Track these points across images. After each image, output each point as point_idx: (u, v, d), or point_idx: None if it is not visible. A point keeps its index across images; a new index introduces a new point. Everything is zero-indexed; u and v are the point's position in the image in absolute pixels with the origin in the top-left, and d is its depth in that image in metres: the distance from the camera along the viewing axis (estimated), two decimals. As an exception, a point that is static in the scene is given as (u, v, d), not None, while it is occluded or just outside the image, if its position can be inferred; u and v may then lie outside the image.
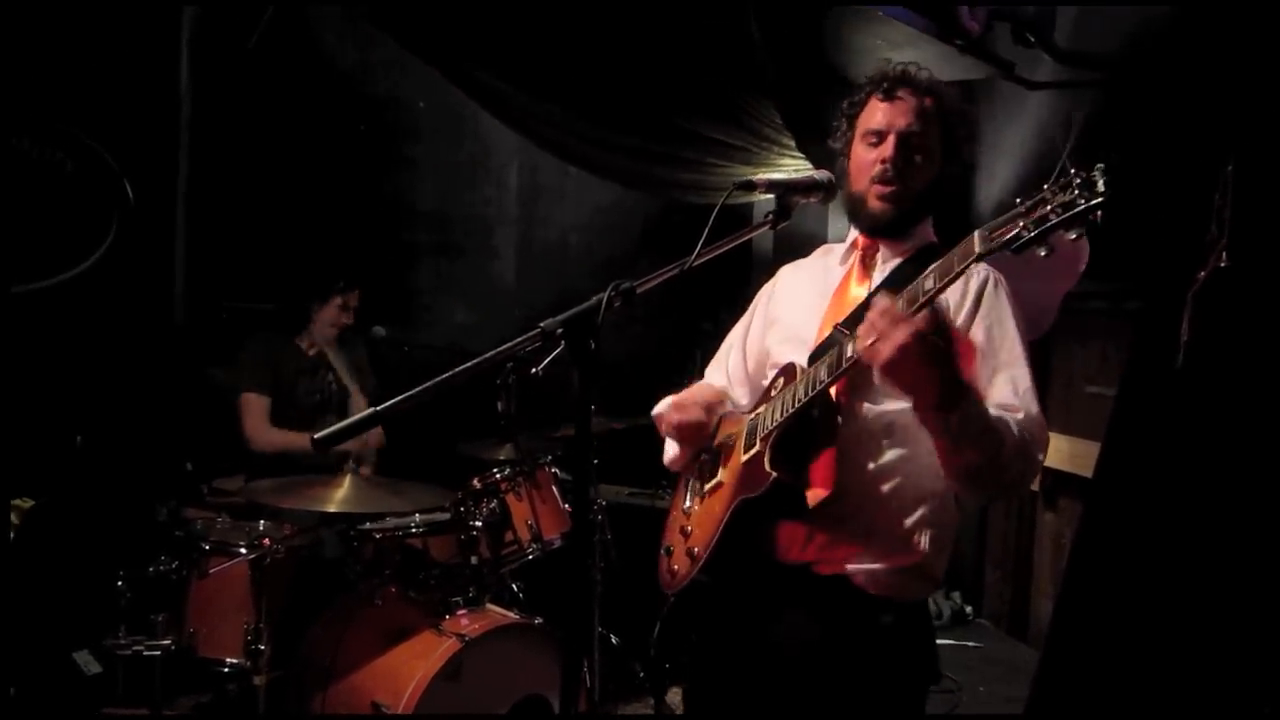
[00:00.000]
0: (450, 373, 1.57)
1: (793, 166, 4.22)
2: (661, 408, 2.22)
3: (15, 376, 3.38)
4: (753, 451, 1.93)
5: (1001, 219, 1.59)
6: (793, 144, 4.19)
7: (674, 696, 3.83)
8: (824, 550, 1.90)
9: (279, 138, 4.49)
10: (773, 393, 1.99)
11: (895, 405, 1.89)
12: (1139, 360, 2.76)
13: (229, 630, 3.07)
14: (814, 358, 1.94)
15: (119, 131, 3.94)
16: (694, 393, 2.18)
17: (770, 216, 1.89)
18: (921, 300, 1.68)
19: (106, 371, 3.88)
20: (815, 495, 1.85)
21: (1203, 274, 2.50)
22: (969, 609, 5.07)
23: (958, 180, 2.07)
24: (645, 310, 1.70)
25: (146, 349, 4.05)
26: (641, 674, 3.80)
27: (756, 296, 2.29)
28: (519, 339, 1.59)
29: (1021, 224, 1.55)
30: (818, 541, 1.90)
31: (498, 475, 3.32)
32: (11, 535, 3.18)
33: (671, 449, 2.22)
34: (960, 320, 1.91)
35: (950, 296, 1.92)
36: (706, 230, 1.73)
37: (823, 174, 1.95)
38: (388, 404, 1.53)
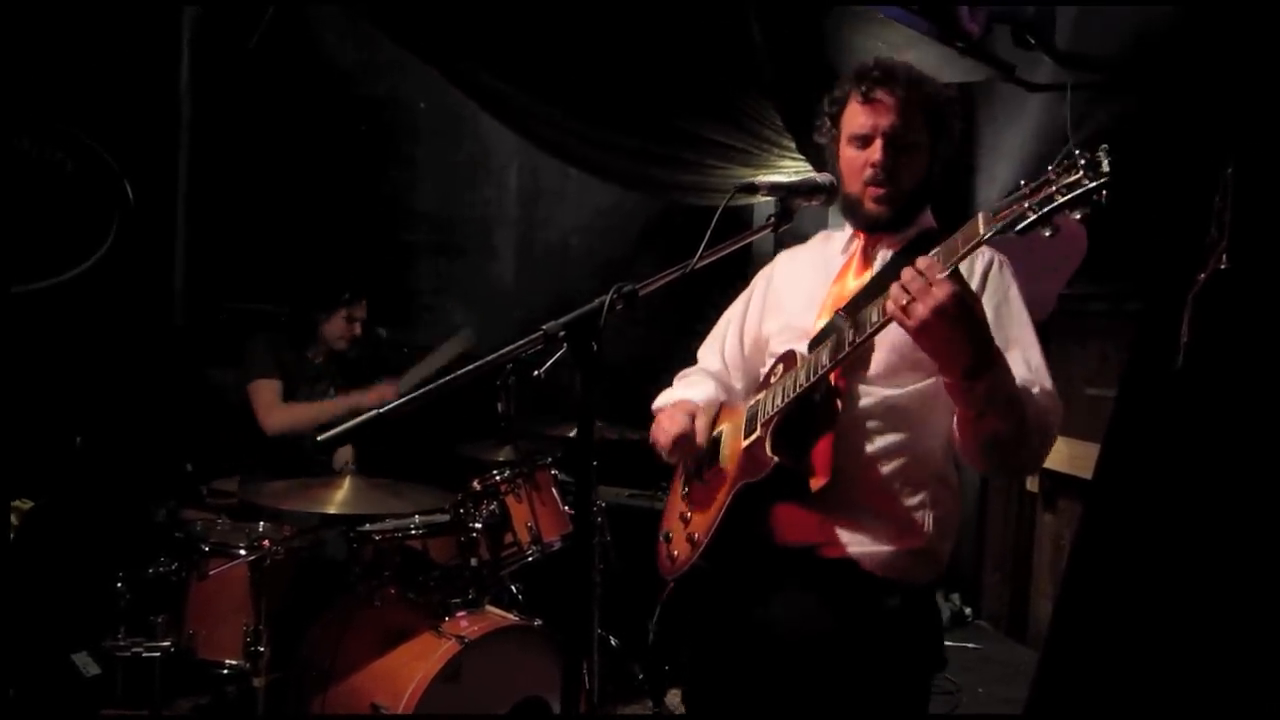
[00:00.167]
0: (452, 374, 1.58)
1: (793, 168, 4.22)
2: (662, 401, 2.23)
3: (15, 377, 3.38)
4: (753, 437, 1.93)
5: (1006, 200, 1.59)
6: (793, 146, 4.19)
7: (673, 698, 3.83)
8: (827, 533, 1.91)
9: (279, 138, 4.49)
10: (772, 379, 1.99)
11: (895, 389, 1.91)
12: (1138, 362, 2.75)
13: (228, 632, 3.07)
14: (814, 344, 1.94)
15: (119, 132, 3.94)
16: (681, 422, 2.12)
17: (772, 219, 1.90)
18: (948, 267, 1.67)
19: (106, 372, 3.89)
20: (817, 481, 1.85)
21: (1203, 276, 2.50)
22: (968, 610, 5.07)
23: (952, 161, 2.06)
24: (645, 313, 1.69)
25: (146, 350, 4.05)
26: (640, 676, 3.81)
27: (754, 279, 2.28)
28: (521, 341, 1.60)
29: (1026, 205, 1.55)
30: (820, 525, 1.90)
31: (497, 477, 3.32)
32: (11, 536, 3.18)
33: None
34: None
35: None
36: (709, 233, 1.73)
37: (824, 177, 1.96)
38: (390, 404, 1.54)
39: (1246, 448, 2.39)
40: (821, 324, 1.99)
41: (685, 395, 2.21)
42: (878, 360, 1.92)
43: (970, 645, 4.68)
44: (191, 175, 4.30)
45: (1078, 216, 1.52)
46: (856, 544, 1.90)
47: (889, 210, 1.99)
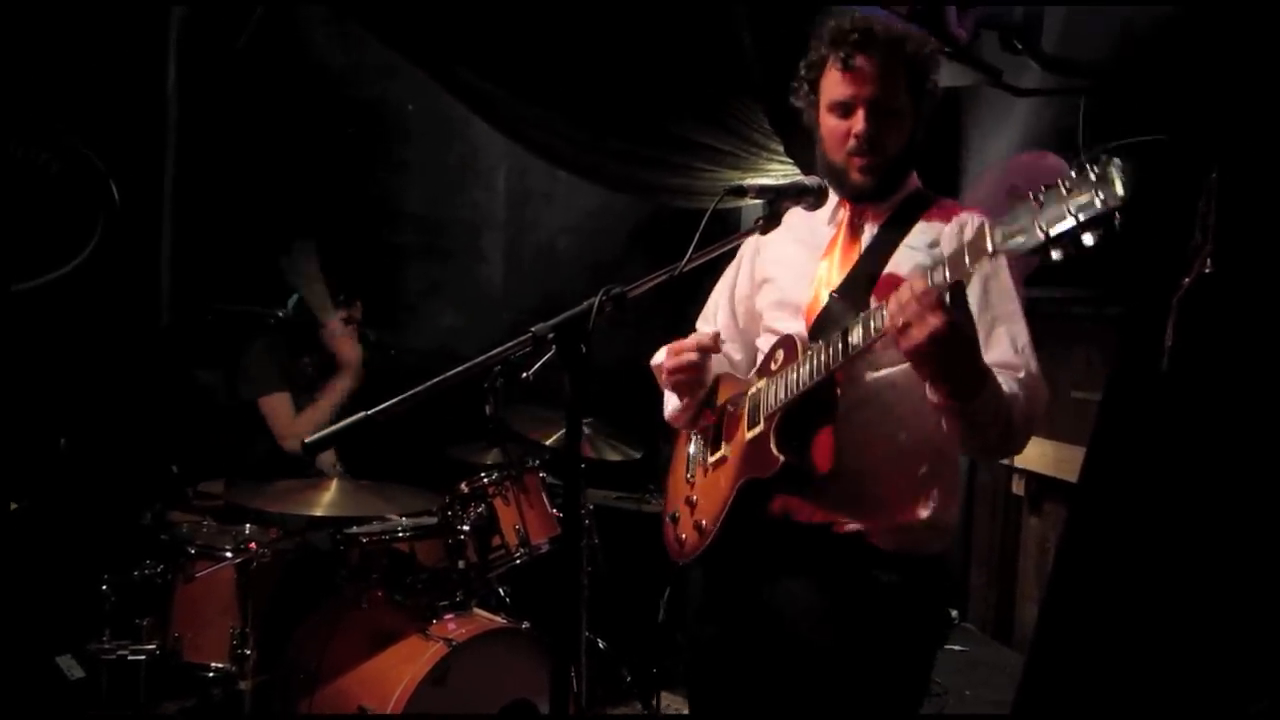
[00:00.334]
0: (441, 376, 1.58)
1: (781, 171, 4.22)
2: (658, 357, 2.22)
3: (-1, 378, 3.36)
4: (756, 430, 1.93)
5: (1015, 213, 1.52)
6: (781, 149, 4.19)
7: (664, 701, 3.84)
8: (833, 513, 1.92)
9: (266, 139, 4.47)
10: (772, 366, 1.98)
11: (890, 368, 1.91)
12: (1124, 366, 2.77)
13: (214, 634, 3.06)
14: (814, 332, 1.94)
15: (105, 132, 3.91)
16: (687, 340, 2.13)
17: (760, 222, 1.91)
18: (947, 288, 1.65)
19: (91, 374, 3.86)
20: (820, 471, 1.86)
21: (1187, 280, 2.51)
22: (954, 613, 5.08)
23: (935, 114, 2.03)
24: (634, 315, 1.70)
25: (132, 351, 4.03)
26: (629, 678, 3.81)
27: (740, 250, 2.26)
28: (510, 343, 1.60)
29: (1036, 222, 1.48)
30: (826, 506, 1.92)
31: (485, 480, 3.32)
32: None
33: (671, 401, 2.21)
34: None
35: (944, 241, 1.93)
36: (697, 235, 1.73)
37: (812, 180, 1.96)
38: (379, 407, 1.54)
39: (1231, 451, 2.40)
40: (815, 298, 1.98)
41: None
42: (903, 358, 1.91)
43: (956, 648, 4.69)
44: (178, 176, 4.27)
45: (1091, 243, 1.43)
46: (864, 520, 1.92)
47: (875, 179, 1.97)
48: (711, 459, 2.07)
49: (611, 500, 4.51)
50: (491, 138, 4.86)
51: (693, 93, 4.04)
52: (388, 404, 1.54)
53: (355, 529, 3.32)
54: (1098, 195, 1.40)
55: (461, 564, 3.21)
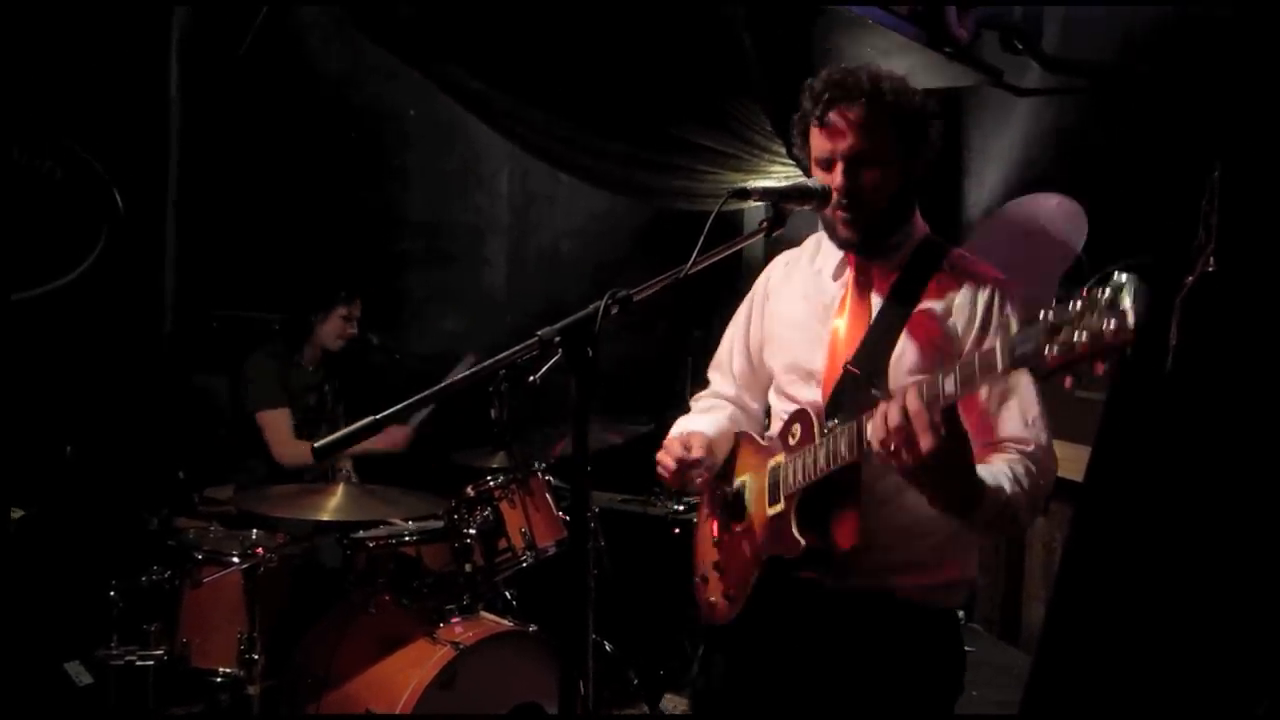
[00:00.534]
0: (448, 380, 1.58)
1: (783, 173, 4.23)
2: (675, 433, 2.21)
3: (5, 386, 3.36)
4: (778, 509, 1.92)
5: (1026, 331, 1.49)
6: (783, 151, 4.20)
7: (668, 703, 3.84)
8: (860, 580, 1.91)
9: (269, 146, 4.48)
10: (790, 441, 1.95)
11: None
12: (1128, 365, 2.77)
13: (222, 640, 3.06)
14: (831, 408, 1.91)
15: (108, 139, 3.92)
16: (674, 449, 2.10)
17: (765, 224, 1.90)
18: (943, 403, 1.61)
19: (96, 381, 3.87)
20: (843, 549, 1.85)
21: (1191, 279, 2.51)
22: (960, 613, 5.07)
23: (931, 164, 1.98)
24: (637, 317, 1.70)
25: (136, 358, 4.04)
26: (636, 681, 3.81)
27: (751, 292, 2.25)
28: (517, 347, 1.60)
29: (1047, 344, 1.44)
30: (852, 575, 1.91)
31: (491, 483, 3.32)
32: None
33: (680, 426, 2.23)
34: (963, 330, 1.90)
35: (956, 312, 1.91)
36: (702, 238, 1.73)
37: (815, 181, 1.94)
38: (387, 412, 1.54)
39: (1236, 450, 2.41)
40: (830, 366, 1.95)
41: (696, 428, 2.18)
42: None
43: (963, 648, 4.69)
44: (181, 183, 4.28)
45: (1102, 371, 1.40)
46: (889, 582, 1.92)
47: (858, 233, 1.93)
48: (737, 528, 2.06)
49: (617, 503, 4.51)
50: (494, 142, 4.88)
51: (694, 95, 4.05)
52: (396, 408, 1.55)
53: (362, 534, 3.33)
54: (1108, 325, 1.36)
55: (468, 567, 3.21)
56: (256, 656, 3.00)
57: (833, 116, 1.89)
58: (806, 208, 1.93)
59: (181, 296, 4.31)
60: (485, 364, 1.61)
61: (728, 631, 2.06)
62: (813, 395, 1.98)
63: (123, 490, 3.74)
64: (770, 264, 2.25)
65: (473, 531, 3.22)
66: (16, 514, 3.31)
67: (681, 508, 4.35)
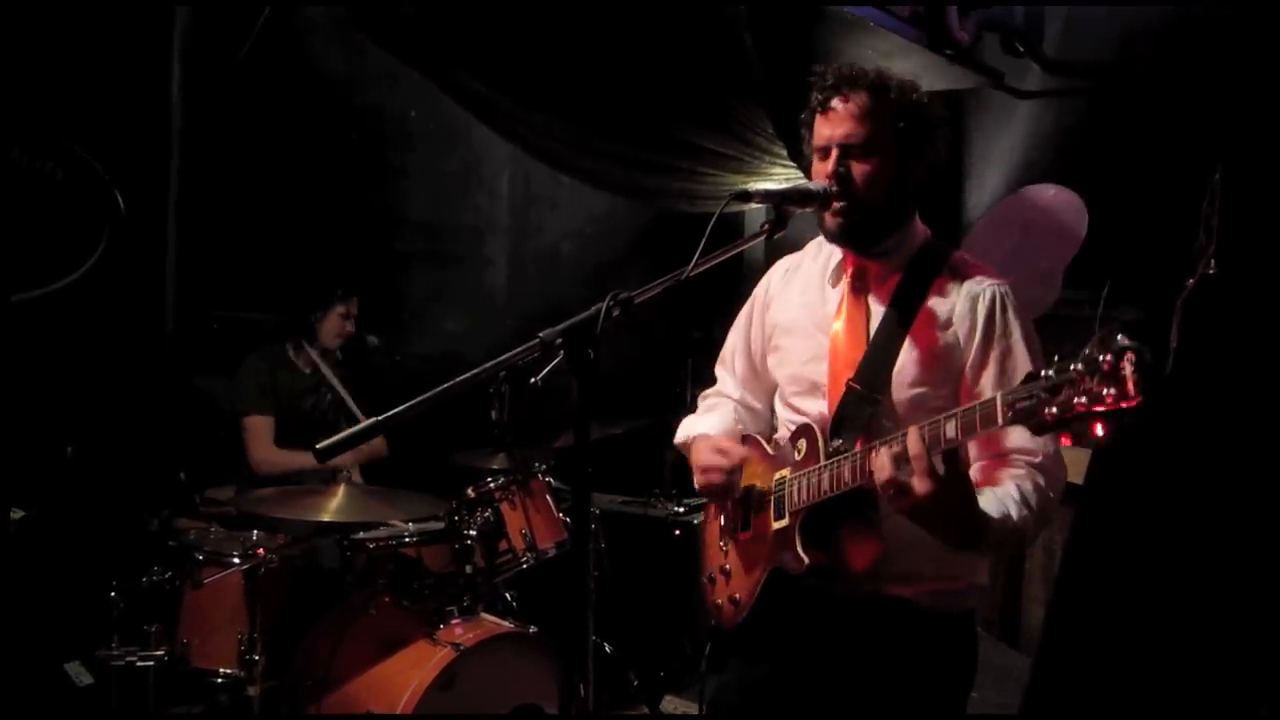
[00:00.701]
0: (450, 382, 1.58)
1: (784, 175, 4.23)
2: (684, 433, 2.22)
3: (5, 387, 3.37)
4: (783, 524, 1.91)
5: (1027, 388, 1.48)
6: (784, 153, 4.20)
7: (668, 704, 3.84)
8: (870, 587, 1.91)
9: (270, 147, 4.48)
10: (796, 456, 1.94)
11: None
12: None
13: (223, 641, 3.06)
14: (836, 424, 1.90)
15: (109, 141, 3.92)
16: (719, 455, 2.09)
17: (766, 226, 1.89)
18: (944, 446, 1.61)
19: (97, 382, 3.87)
20: (855, 571, 1.85)
21: (1191, 281, 2.52)
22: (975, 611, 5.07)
23: (934, 169, 1.97)
24: (637, 319, 1.69)
25: (137, 359, 4.04)
26: (635, 682, 3.81)
27: (753, 296, 2.25)
28: (518, 349, 1.60)
29: (1046, 402, 1.44)
30: (863, 583, 1.90)
31: (492, 484, 3.32)
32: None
33: (685, 429, 2.24)
34: (964, 341, 1.88)
35: (957, 321, 1.89)
36: (703, 240, 1.73)
37: (816, 184, 1.93)
38: (389, 414, 1.54)
39: (1236, 451, 2.41)
40: (832, 378, 1.95)
41: (703, 429, 2.19)
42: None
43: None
44: (182, 184, 4.28)
45: (1101, 431, 1.39)
46: (901, 588, 1.91)
47: (843, 223, 1.91)
48: (742, 536, 2.06)
49: (617, 504, 4.51)
50: (494, 143, 4.88)
51: (696, 97, 4.05)
52: (398, 410, 1.54)
53: (362, 535, 3.33)
54: (1108, 391, 1.35)
55: (468, 569, 3.21)
56: (257, 657, 3.00)
57: (835, 102, 1.90)
58: (808, 210, 1.93)
59: (183, 298, 4.31)
60: (486, 365, 1.61)
61: (736, 635, 2.05)
62: (818, 408, 1.98)
63: (123, 491, 3.74)
64: (770, 269, 2.24)
65: (473, 533, 3.22)
66: (17, 514, 3.31)
67: (682, 509, 4.36)
